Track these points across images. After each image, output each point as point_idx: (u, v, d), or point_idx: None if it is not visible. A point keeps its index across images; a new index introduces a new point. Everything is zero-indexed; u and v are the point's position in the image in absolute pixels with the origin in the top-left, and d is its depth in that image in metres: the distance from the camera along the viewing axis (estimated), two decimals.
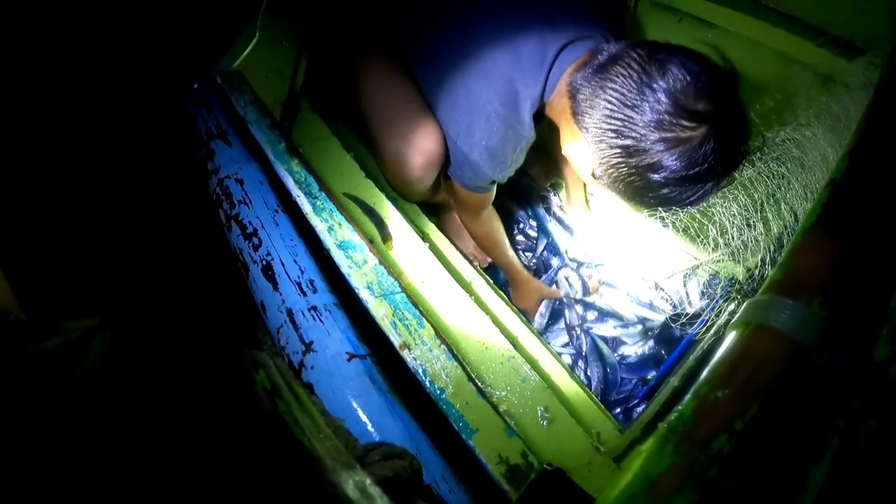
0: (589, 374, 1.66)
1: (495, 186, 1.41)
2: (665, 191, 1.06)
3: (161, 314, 1.08)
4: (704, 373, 0.65)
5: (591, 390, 1.60)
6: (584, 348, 1.72)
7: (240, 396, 0.55)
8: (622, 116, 1.03)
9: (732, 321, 0.72)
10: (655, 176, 1.04)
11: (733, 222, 1.51)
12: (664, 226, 1.87)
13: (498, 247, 1.66)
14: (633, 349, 1.70)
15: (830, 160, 1.09)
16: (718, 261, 1.72)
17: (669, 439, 0.60)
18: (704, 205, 1.54)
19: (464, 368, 0.80)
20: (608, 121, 1.05)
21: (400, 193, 1.39)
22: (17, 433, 0.45)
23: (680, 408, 0.62)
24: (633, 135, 1.02)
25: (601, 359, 1.68)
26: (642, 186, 1.07)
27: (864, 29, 1.43)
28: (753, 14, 1.67)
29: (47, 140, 1.14)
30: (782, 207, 1.27)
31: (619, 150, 1.05)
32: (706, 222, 1.56)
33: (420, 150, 1.23)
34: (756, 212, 1.47)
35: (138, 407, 0.52)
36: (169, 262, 1.21)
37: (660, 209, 1.15)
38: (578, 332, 1.77)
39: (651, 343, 1.69)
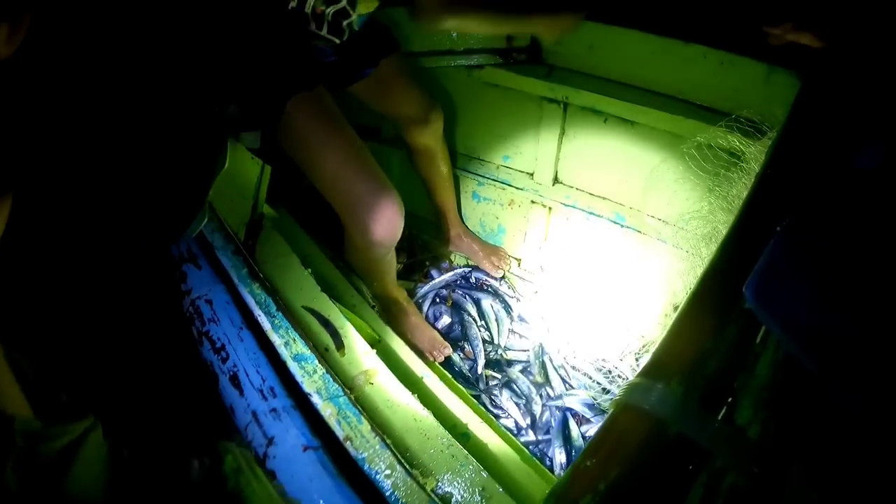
0: (550, 454, 1.78)
1: None
2: None
3: (145, 416, 1.24)
4: (584, 447, 0.80)
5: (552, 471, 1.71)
6: (553, 426, 1.84)
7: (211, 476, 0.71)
8: None
9: (611, 402, 0.87)
10: None
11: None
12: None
13: None
14: (595, 428, 1.82)
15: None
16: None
17: (548, 501, 0.75)
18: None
19: (394, 454, 0.95)
20: None
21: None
22: None
23: (562, 474, 0.78)
24: None
25: (567, 439, 1.80)
26: None
27: (769, 111, 1.62)
28: (669, 110, 1.84)
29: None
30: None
31: None
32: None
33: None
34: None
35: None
36: (152, 368, 1.37)
37: None
38: (545, 408, 1.90)
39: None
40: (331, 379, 1.04)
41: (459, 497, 0.99)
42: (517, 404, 1.93)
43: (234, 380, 1.07)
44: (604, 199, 2.08)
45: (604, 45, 1.98)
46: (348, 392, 1.03)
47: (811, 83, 1.46)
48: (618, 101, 1.91)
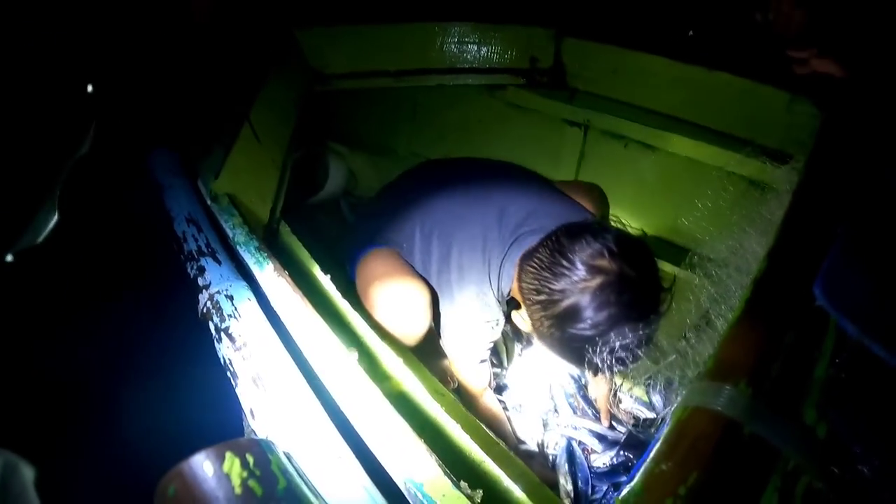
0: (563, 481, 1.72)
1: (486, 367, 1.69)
2: (587, 334, 1.29)
3: None
4: (652, 451, 0.76)
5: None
6: (557, 455, 1.79)
7: None
8: (539, 277, 1.33)
9: (674, 407, 0.83)
10: (570, 323, 1.29)
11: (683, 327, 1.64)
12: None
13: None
14: (603, 458, 1.79)
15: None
16: (673, 366, 1.84)
17: None
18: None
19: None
20: (531, 283, 1.35)
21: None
22: None
23: (631, 484, 0.73)
24: (546, 290, 1.31)
25: (574, 466, 1.74)
26: (564, 335, 1.32)
27: (790, 137, 1.61)
28: (690, 135, 1.85)
29: None
30: (722, 308, 1.39)
31: (538, 306, 1.34)
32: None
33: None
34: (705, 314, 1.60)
35: None
36: None
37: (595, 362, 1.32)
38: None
39: (621, 452, 1.76)
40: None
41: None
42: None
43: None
44: (621, 223, 2.05)
45: (628, 69, 2.00)
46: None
47: (837, 109, 1.48)
48: (639, 126, 1.93)
